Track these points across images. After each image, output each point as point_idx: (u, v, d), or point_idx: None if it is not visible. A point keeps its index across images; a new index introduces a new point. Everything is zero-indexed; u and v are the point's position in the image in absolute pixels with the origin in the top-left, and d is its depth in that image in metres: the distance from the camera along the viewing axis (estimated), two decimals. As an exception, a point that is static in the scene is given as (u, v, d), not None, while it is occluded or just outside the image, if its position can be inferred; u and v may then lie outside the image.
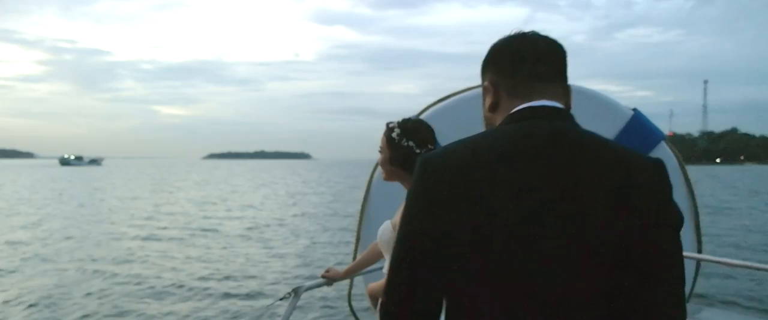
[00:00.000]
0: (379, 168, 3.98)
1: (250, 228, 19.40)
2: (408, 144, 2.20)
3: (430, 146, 2.22)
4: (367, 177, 4.09)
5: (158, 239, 16.90)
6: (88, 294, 9.98)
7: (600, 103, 4.41)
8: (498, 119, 1.24)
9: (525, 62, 1.22)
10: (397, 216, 2.17)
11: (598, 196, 1.08)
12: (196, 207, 27.77)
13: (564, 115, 1.18)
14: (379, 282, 2.38)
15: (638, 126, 4.59)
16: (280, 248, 15.33)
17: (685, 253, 2.55)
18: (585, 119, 1.24)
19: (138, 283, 10.81)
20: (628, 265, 1.08)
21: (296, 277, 11.32)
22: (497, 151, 1.11)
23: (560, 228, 1.06)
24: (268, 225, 20.31)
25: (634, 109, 4.71)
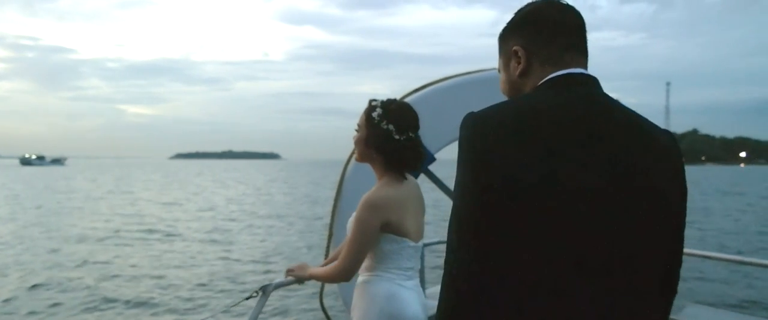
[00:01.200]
0: (353, 159, 3.67)
1: (212, 230, 18.81)
2: (388, 127, 2.07)
3: (411, 133, 2.09)
4: (340, 172, 4.03)
5: (118, 241, 16.17)
6: (33, 309, 9.27)
7: None
8: (528, 85, 1.24)
9: (564, 31, 1.24)
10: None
11: (654, 171, 1.11)
12: (160, 209, 26.97)
13: (599, 85, 1.20)
14: (328, 267, 2.20)
15: None
16: (245, 249, 14.85)
17: None
18: None
19: (92, 289, 10.19)
20: (675, 240, 1.15)
21: (261, 276, 10.99)
22: (559, 115, 1.11)
23: (621, 219, 1.06)
24: (232, 223, 19.65)
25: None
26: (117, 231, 18.32)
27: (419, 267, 2.18)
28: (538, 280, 1.04)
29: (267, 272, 11.86)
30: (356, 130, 2.17)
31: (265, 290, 2.28)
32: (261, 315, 2.21)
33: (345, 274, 2.04)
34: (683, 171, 1.17)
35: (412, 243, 2.08)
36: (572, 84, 1.19)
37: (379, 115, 2.08)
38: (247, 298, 2.28)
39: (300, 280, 2.34)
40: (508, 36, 1.31)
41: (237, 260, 13.35)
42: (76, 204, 29.06)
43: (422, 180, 3.37)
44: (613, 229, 1.05)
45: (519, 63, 1.26)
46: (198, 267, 12.47)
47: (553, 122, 1.09)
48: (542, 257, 1.03)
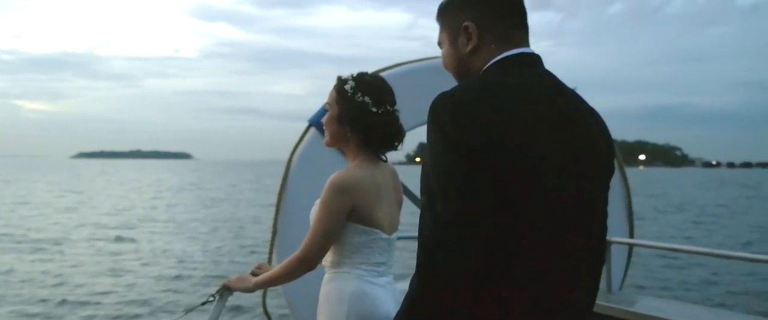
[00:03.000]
0: (297, 153, 3.70)
1: (119, 238, 17.09)
2: (363, 99, 1.92)
3: (388, 107, 1.95)
4: (283, 167, 3.90)
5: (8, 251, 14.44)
6: None
7: None
8: (478, 61, 1.31)
9: (513, 9, 1.33)
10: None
11: (601, 148, 1.27)
12: (56, 212, 24.72)
13: (542, 64, 1.31)
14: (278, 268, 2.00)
15: None
16: (174, 255, 13.50)
17: (618, 239, 3.37)
18: None
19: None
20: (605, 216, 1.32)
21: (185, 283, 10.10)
22: (519, 96, 1.19)
23: (585, 183, 1.22)
24: (143, 228, 17.98)
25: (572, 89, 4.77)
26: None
27: (392, 262, 2.00)
28: (520, 237, 1.13)
29: (204, 280, 10.96)
30: (325, 109, 2.01)
31: (222, 294, 2.08)
32: None
33: (307, 264, 1.87)
34: (613, 147, 1.34)
35: (384, 236, 1.92)
36: (528, 63, 1.29)
37: (352, 88, 1.93)
38: (203, 304, 2.07)
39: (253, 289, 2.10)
40: (455, 11, 1.35)
41: (172, 268, 12.17)
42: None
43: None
44: (579, 198, 1.20)
45: (469, 39, 1.32)
46: (116, 277, 11.17)
47: (526, 99, 1.18)
48: (524, 215, 1.13)
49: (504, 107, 1.14)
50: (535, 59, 1.29)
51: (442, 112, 1.14)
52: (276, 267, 2.00)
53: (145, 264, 12.86)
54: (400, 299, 1.95)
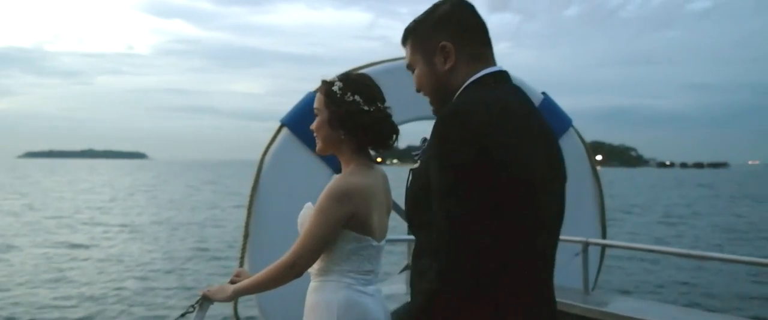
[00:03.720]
0: (269, 154, 3.74)
1: (68, 244, 15.88)
2: (353, 98, 1.86)
3: (379, 104, 1.89)
4: (244, 167, 3.46)
5: None
6: None
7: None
8: (455, 79, 1.42)
9: (481, 30, 1.46)
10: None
11: (561, 157, 1.44)
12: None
13: (511, 79, 1.46)
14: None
15: (549, 110, 4.51)
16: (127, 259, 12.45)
17: (591, 240, 3.81)
18: None
19: None
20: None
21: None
22: (514, 111, 1.32)
23: (558, 190, 1.40)
24: (91, 228, 16.76)
25: (544, 93, 4.60)
26: None
27: (380, 269, 1.94)
28: (514, 246, 1.25)
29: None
30: (315, 113, 1.92)
31: (201, 304, 1.98)
32: None
33: (295, 270, 1.79)
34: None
35: (374, 243, 1.86)
36: (501, 80, 1.42)
37: (340, 88, 1.87)
38: (182, 315, 1.96)
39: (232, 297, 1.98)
40: (429, 32, 1.45)
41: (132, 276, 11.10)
42: None
43: None
44: (558, 204, 1.39)
45: (446, 58, 1.43)
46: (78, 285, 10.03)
47: (515, 115, 1.31)
48: (520, 224, 1.25)
49: (503, 123, 1.26)
50: (506, 76, 1.44)
51: (456, 128, 1.25)
52: (259, 273, 1.90)
53: (100, 273, 11.87)
54: (388, 308, 1.91)
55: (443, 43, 1.41)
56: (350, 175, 1.85)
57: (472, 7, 1.45)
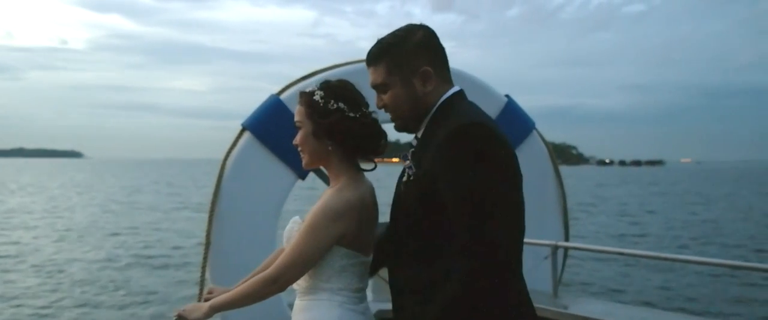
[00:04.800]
0: (231, 157, 3.77)
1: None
2: (338, 106, 1.82)
3: (364, 109, 1.85)
4: (216, 174, 3.67)
5: None
6: None
7: (476, 86, 4.34)
8: (430, 101, 1.61)
9: (445, 53, 1.66)
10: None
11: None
12: None
13: None
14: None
15: (513, 113, 4.56)
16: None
17: (560, 243, 4.02)
18: None
19: None
20: None
21: None
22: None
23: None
24: (18, 232, 15.27)
25: (507, 96, 4.61)
26: None
27: (367, 285, 1.92)
28: (520, 239, 1.46)
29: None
30: (297, 126, 1.86)
31: None
32: None
33: (278, 286, 1.74)
34: None
35: (364, 259, 1.86)
36: (465, 98, 1.64)
37: (322, 97, 1.82)
38: None
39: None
40: (410, 57, 1.59)
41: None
42: None
43: (310, 180, 3.85)
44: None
45: (426, 81, 1.60)
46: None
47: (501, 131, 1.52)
48: (522, 228, 1.46)
49: (506, 139, 1.49)
50: (465, 95, 1.66)
51: (491, 139, 1.45)
52: (238, 288, 1.83)
53: (32, 285, 10.32)
54: None
55: (425, 68, 1.59)
56: (344, 191, 1.80)
57: (433, 32, 1.65)
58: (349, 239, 1.76)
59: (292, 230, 1.85)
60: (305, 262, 1.72)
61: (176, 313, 1.86)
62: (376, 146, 1.87)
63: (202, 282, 3.68)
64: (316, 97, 1.81)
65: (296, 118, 1.85)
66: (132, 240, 16.61)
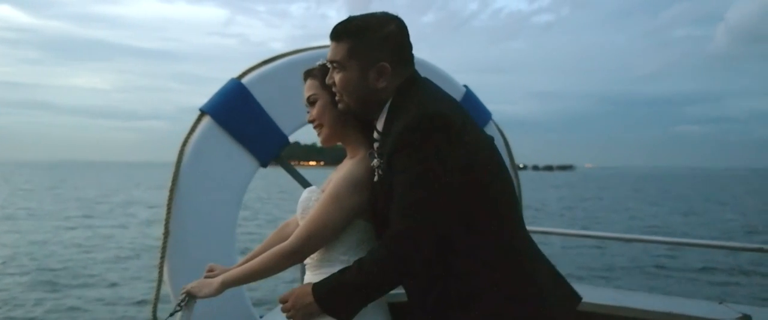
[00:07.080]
0: (188, 147, 3.55)
1: None
2: None
3: None
4: (174, 160, 3.44)
5: None
6: None
7: (436, 76, 4.08)
8: (383, 94, 1.58)
9: (409, 41, 1.62)
10: (328, 183, 1.82)
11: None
12: None
13: None
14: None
15: (471, 103, 4.44)
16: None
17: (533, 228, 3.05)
18: None
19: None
20: None
21: None
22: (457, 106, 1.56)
23: (508, 176, 1.55)
24: None
25: (465, 86, 4.55)
26: None
27: None
28: (508, 228, 1.50)
29: None
30: (308, 103, 1.85)
31: (187, 302, 1.86)
32: None
33: (297, 257, 1.72)
34: None
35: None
36: (420, 80, 1.60)
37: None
38: (171, 314, 1.92)
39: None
40: (374, 47, 1.54)
41: None
42: None
43: (271, 169, 3.76)
44: (512, 189, 1.55)
45: (381, 76, 1.55)
46: None
47: (464, 112, 1.54)
48: (506, 213, 1.51)
49: (469, 123, 1.51)
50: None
51: (438, 128, 1.43)
52: (252, 262, 1.76)
53: None
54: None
55: (383, 63, 1.54)
56: (363, 162, 1.76)
57: (402, 22, 1.60)
58: (367, 210, 1.74)
59: (309, 199, 1.83)
60: (328, 233, 1.70)
61: (184, 290, 1.84)
62: None
63: (160, 272, 3.37)
64: (330, 67, 1.80)
65: (310, 92, 1.84)
66: (33, 249, 14.33)
